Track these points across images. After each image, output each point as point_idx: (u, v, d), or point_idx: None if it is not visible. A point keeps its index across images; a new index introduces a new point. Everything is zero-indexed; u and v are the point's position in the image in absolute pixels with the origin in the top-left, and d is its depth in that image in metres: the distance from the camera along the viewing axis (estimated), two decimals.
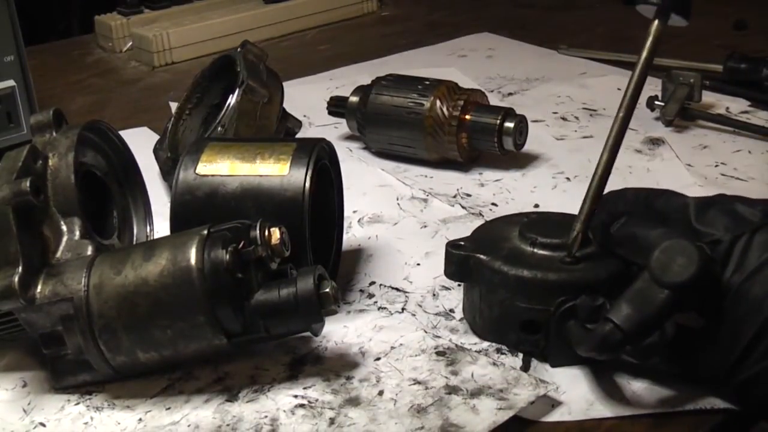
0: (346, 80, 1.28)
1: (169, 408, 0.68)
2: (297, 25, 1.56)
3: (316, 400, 0.67)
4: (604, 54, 1.34)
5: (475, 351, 0.72)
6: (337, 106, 1.10)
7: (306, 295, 0.66)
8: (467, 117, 1.01)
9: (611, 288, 0.66)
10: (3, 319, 0.70)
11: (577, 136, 1.11)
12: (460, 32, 1.51)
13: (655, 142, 1.08)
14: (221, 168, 0.75)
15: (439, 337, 0.74)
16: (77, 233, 0.71)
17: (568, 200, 0.91)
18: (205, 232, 0.67)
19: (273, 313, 0.67)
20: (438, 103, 1.01)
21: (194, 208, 0.74)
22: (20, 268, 0.66)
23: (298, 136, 1.02)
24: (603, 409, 0.66)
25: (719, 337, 0.63)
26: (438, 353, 0.72)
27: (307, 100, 1.21)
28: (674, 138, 1.09)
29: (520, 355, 0.71)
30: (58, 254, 0.70)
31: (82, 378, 0.69)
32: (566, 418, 0.66)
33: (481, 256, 0.72)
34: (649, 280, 0.62)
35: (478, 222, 0.91)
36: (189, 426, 0.66)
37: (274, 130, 0.98)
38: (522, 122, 1.01)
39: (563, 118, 1.16)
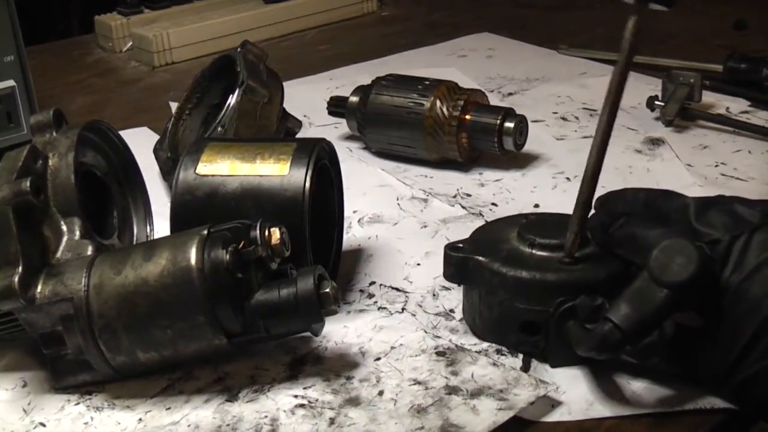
0: (346, 80, 1.28)
1: (169, 408, 0.68)
2: (297, 25, 1.56)
3: (316, 400, 0.67)
4: (604, 54, 1.34)
5: (475, 351, 0.72)
6: (337, 106, 1.10)
7: (306, 295, 0.66)
8: (467, 117, 1.01)
9: (610, 288, 0.66)
10: (3, 319, 0.70)
11: (577, 136, 1.11)
12: (460, 32, 1.51)
13: (655, 142, 1.08)
14: (221, 168, 0.75)
15: (439, 337, 0.74)
16: (77, 233, 0.71)
17: (568, 200, 0.90)
18: (205, 232, 0.67)
19: (273, 313, 0.67)
20: (438, 103, 1.01)
21: (194, 208, 0.74)
22: (20, 268, 0.66)
23: (298, 136, 1.02)
24: (603, 409, 0.66)
25: (718, 336, 0.63)
26: (438, 353, 0.72)
27: (307, 100, 1.21)
28: (674, 138, 1.09)
29: (520, 356, 0.71)
30: (58, 254, 0.70)
31: (82, 378, 0.69)
32: (566, 418, 0.66)
33: (480, 258, 0.72)
34: (648, 279, 0.63)
35: (478, 222, 0.91)
36: (189, 426, 0.66)
37: (274, 130, 0.98)
38: (522, 122, 1.02)
39: (563, 118, 1.16)
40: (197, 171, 0.75)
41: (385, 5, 1.68)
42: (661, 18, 1.52)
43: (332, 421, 0.65)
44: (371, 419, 0.65)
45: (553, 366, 0.70)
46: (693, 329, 0.65)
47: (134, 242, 0.83)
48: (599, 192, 0.75)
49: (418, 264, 0.85)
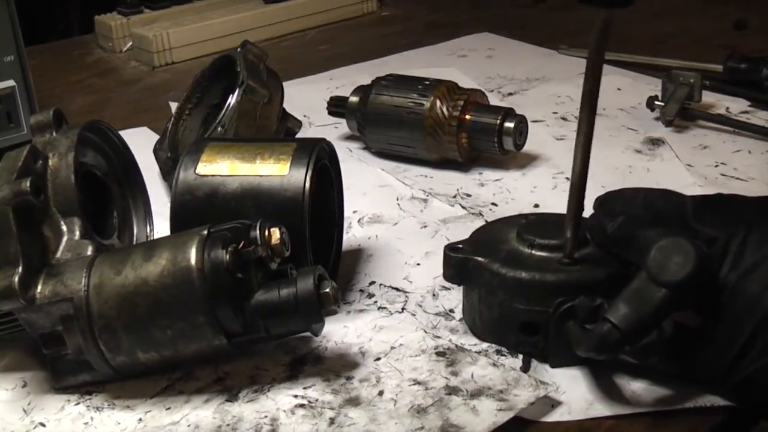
0: (346, 80, 1.28)
1: (169, 408, 0.68)
2: (297, 25, 1.56)
3: (316, 400, 0.67)
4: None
5: (475, 352, 0.72)
6: (337, 106, 1.10)
7: (306, 295, 0.66)
8: (467, 117, 1.01)
9: (610, 288, 0.66)
10: (3, 319, 0.70)
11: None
12: (460, 32, 1.51)
13: (655, 142, 1.08)
14: (221, 168, 0.75)
15: (439, 337, 0.74)
16: (77, 233, 0.71)
17: None
18: (205, 232, 0.67)
19: (273, 313, 0.67)
20: (438, 103, 1.01)
21: (194, 209, 0.74)
22: (20, 268, 0.66)
23: (298, 136, 1.02)
24: (602, 409, 0.66)
25: (716, 335, 0.63)
26: (438, 354, 0.72)
27: (307, 100, 1.21)
28: (674, 138, 1.09)
29: (520, 356, 0.71)
30: (58, 254, 0.70)
31: (82, 378, 0.69)
32: (566, 418, 0.66)
33: (480, 259, 0.72)
34: (647, 279, 0.63)
35: (478, 222, 0.91)
36: (189, 426, 0.66)
37: (274, 130, 0.98)
38: (522, 122, 1.02)
39: (563, 118, 1.16)
40: (197, 171, 0.75)
41: (385, 5, 1.68)
42: (661, 18, 1.52)
43: (332, 421, 0.65)
44: (371, 419, 0.65)
45: (552, 366, 0.70)
46: (692, 328, 0.65)
47: (134, 242, 0.83)
48: (599, 192, 0.75)
49: (418, 264, 0.85)
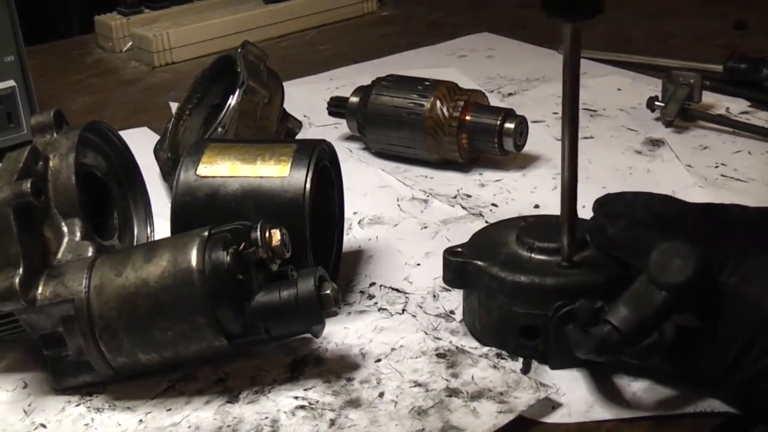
0: (346, 80, 1.28)
1: (169, 409, 0.68)
2: (297, 25, 1.56)
3: (317, 402, 0.67)
4: (604, 54, 1.34)
5: (476, 355, 0.72)
6: (337, 107, 1.10)
7: (307, 296, 0.66)
8: (467, 118, 1.01)
9: (609, 291, 0.66)
10: (4, 320, 0.70)
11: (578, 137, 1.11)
12: (460, 32, 1.51)
13: (655, 142, 1.08)
14: (222, 169, 0.75)
15: (439, 339, 0.74)
16: (78, 234, 0.71)
17: None
18: (206, 233, 0.67)
19: (274, 314, 0.67)
20: (438, 103, 1.01)
21: (195, 210, 0.74)
22: (21, 270, 0.66)
23: (298, 136, 1.02)
24: (603, 412, 0.66)
25: (716, 338, 0.63)
26: (438, 355, 0.72)
27: (307, 100, 1.21)
28: (674, 139, 1.09)
29: (521, 360, 0.71)
30: (59, 255, 0.70)
31: (82, 379, 0.69)
32: (566, 420, 0.66)
33: (479, 263, 0.72)
34: (647, 281, 0.63)
35: (479, 222, 0.91)
36: (189, 427, 0.66)
37: (275, 131, 0.98)
38: (522, 123, 1.02)
39: None
40: (198, 172, 0.75)
41: (385, 5, 1.68)
42: (661, 18, 1.52)
43: (333, 422, 0.65)
44: (372, 421, 0.65)
45: (552, 368, 0.70)
46: (693, 330, 0.65)
47: (135, 243, 0.83)
48: (599, 193, 0.75)
49: (419, 264, 0.85)
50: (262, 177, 0.74)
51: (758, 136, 1.07)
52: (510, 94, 1.24)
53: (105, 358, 0.67)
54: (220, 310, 0.66)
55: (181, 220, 0.74)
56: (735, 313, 0.62)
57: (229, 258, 0.65)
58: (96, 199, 0.80)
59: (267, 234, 0.68)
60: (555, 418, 0.66)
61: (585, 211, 0.74)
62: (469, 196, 0.98)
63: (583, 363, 0.69)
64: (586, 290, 0.67)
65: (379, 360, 0.72)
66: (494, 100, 1.14)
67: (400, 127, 1.03)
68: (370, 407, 0.67)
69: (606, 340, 0.63)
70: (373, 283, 0.82)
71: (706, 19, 1.51)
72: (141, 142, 0.98)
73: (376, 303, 0.80)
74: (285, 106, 1.00)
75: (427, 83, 1.04)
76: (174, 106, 1.07)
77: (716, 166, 1.02)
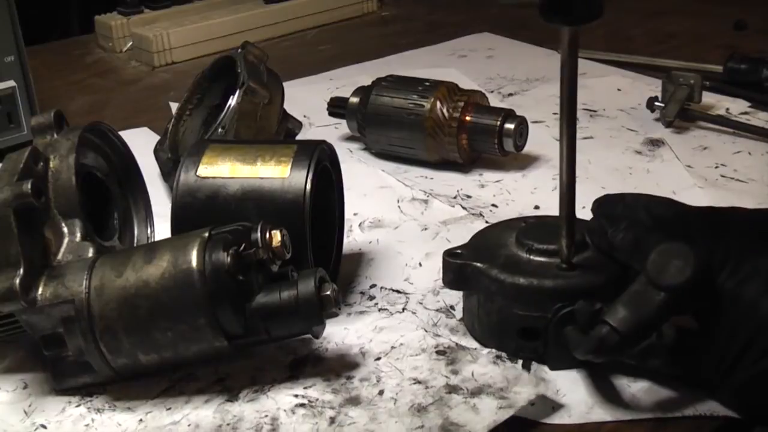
0: (347, 80, 1.28)
1: (169, 408, 0.68)
2: (297, 25, 1.56)
3: (317, 400, 0.68)
4: (604, 54, 1.34)
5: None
6: (337, 107, 1.10)
7: (307, 297, 0.66)
8: (467, 118, 1.01)
9: (608, 293, 0.66)
10: (4, 321, 0.70)
11: (578, 137, 1.10)
12: (460, 32, 1.51)
13: (655, 143, 1.08)
14: (222, 170, 0.75)
15: (439, 336, 0.74)
16: (78, 235, 0.71)
17: None
18: (206, 234, 0.67)
19: (274, 315, 0.67)
20: (438, 104, 1.01)
21: (195, 211, 0.74)
22: (21, 270, 0.66)
23: (298, 136, 1.02)
24: (603, 413, 0.66)
25: (714, 340, 0.63)
26: (438, 352, 0.72)
27: (307, 100, 1.21)
28: (674, 139, 1.09)
29: (520, 361, 0.71)
30: (59, 256, 0.70)
31: (82, 380, 0.69)
32: (566, 421, 0.66)
33: (478, 265, 0.72)
34: (646, 282, 0.63)
35: (479, 223, 0.91)
36: (189, 425, 0.66)
37: (275, 131, 0.98)
38: (522, 124, 1.02)
39: None
40: (198, 173, 0.75)
41: (385, 5, 1.68)
42: (661, 18, 1.52)
43: (332, 420, 0.66)
44: (371, 418, 0.65)
45: (552, 369, 0.70)
46: (693, 332, 0.65)
47: (135, 243, 0.83)
48: (599, 193, 0.76)
49: (420, 265, 0.85)
50: (262, 178, 0.74)
51: (758, 136, 1.07)
52: (510, 95, 1.24)
53: (105, 359, 0.67)
54: (220, 310, 0.66)
55: (181, 221, 0.74)
56: (733, 315, 0.62)
57: (229, 259, 0.65)
58: (96, 200, 0.80)
59: (267, 235, 0.68)
60: (555, 419, 0.66)
61: (585, 211, 0.74)
62: (469, 196, 0.98)
63: (582, 364, 0.69)
64: (585, 292, 0.67)
65: (378, 358, 0.72)
66: (494, 101, 1.15)
67: (401, 128, 1.03)
68: (370, 405, 0.67)
69: (604, 340, 0.63)
70: (373, 285, 0.82)
71: (706, 19, 1.51)
72: (141, 143, 0.99)
73: (376, 304, 0.80)
74: (285, 106, 1.00)
75: (427, 84, 1.04)
76: (174, 107, 1.07)
77: (716, 167, 1.02)
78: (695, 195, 0.94)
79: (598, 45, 1.37)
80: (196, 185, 0.75)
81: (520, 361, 0.71)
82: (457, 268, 0.73)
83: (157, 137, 1.06)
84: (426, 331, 0.74)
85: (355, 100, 1.07)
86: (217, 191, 0.75)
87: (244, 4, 1.54)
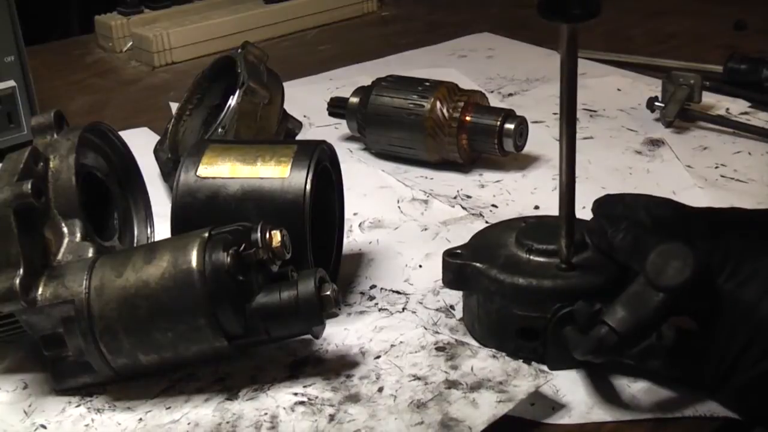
0: (347, 81, 1.28)
1: (169, 407, 0.68)
2: (297, 25, 1.56)
3: (316, 398, 0.68)
4: (604, 54, 1.34)
5: None
6: (337, 107, 1.10)
7: (307, 297, 0.66)
8: (467, 118, 1.01)
9: (608, 293, 0.66)
10: (4, 321, 0.70)
11: (578, 137, 1.10)
12: (460, 32, 1.51)
13: (655, 143, 1.08)
14: (222, 170, 0.75)
15: (438, 332, 0.74)
16: (78, 235, 0.71)
17: None
18: (206, 234, 0.67)
19: (274, 315, 0.67)
20: (438, 104, 1.01)
21: (195, 211, 0.74)
22: (21, 270, 0.66)
23: (298, 137, 1.02)
24: (603, 414, 0.66)
25: (714, 341, 0.63)
26: (438, 348, 0.72)
27: (307, 100, 1.21)
28: (674, 139, 1.09)
29: (520, 360, 0.71)
30: (59, 256, 0.70)
31: (82, 380, 0.69)
32: (566, 421, 0.66)
33: (478, 265, 0.72)
34: (645, 283, 0.63)
35: (479, 223, 0.91)
36: (189, 424, 0.66)
37: (275, 131, 0.98)
38: (522, 124, 1.02)
39: None
40: (198, 173, 0.75)
41: (385, 5, 1.68)
42: (661, 18, 1.52)
43: (332, 417, 0.66)
44: (371, 415, 0.66)
45: (551, 368, 0.70)
46: (692, 333, 0.65)
47: (135, 244, 0.83)
48: (599, 193, 0.76)
49: (420, 266, 0.85)
50: (262, 178, 0.74)
51: (758, 136, 1.07)
52: (510, 95, 1.24)
53: (105, 359, 0.68)
54: (220, 311, 0.66)
55: (181, 221, 0.74)
56: (733, 316, 0.62)
57: (229, 259, 0.65)
58: (96, 200, 0.80)
59: (267, 235, 0.68)
60: (555, 419, 0.66)
61: (584, 211, 0.74)
62: (469, 196, 0.98)
63: (581, 364, 0.69)
64: (585, 292, 0.68)
65: (378, 357, 0.72)
66: (494, 101, 1.15)
67: (401, 128, 1.03)
68: (370, 402, 0.67)
69: (603, 341, 0.63)
70: (373, 285, 0.82)
71: (706, 19, 1.51)
72: (141, 143, 0.99)
73: (376, 304, 0.80)
74: (285, 106, 1.00)
75: (428, 84, 1.04)
76: (174, 107, 1.07)
77: (716, 167, 1.02)
78: (695, 195, 0.94)
79: (598, 45, 1.37)
80: (196, 185, 0.75)
81: (520, 361, 0.71)
82: (457, 268, 0.73)
83: (157, 137, 1.06)
84: (426, 329, 0.74)
85: (355, 100, 1.07)
86: (217, 191, 0.75)
87: (244, 4, 1.54)
